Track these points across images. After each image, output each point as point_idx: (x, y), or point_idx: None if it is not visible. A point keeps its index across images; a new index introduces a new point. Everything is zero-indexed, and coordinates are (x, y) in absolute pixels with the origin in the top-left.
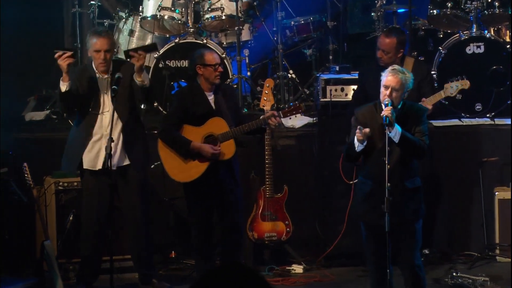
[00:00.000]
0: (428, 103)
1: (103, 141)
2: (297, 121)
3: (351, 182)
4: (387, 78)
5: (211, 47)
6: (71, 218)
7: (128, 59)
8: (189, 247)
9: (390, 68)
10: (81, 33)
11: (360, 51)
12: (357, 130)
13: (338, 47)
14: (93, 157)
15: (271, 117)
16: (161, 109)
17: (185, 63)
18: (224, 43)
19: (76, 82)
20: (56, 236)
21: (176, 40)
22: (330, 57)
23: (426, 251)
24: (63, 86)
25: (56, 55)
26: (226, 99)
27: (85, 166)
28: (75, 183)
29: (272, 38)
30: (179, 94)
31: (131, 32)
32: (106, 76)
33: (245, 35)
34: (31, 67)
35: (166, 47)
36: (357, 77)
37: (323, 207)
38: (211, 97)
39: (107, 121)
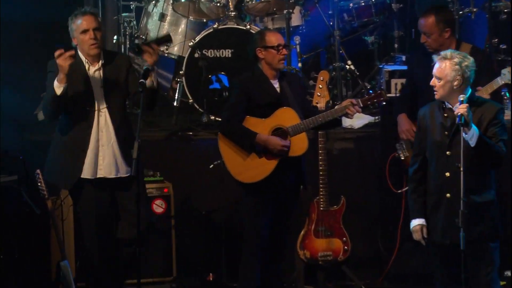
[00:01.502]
0: (484, 92)
1: (102, 143)
2: (356, 120)
3: (400, 191)
4: (435, 65)
5: None
6: None
7: (138, 56)
8: (230, 268)
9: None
10: (104, 18)
11: None
12: None
13: (404, 34)
14: (93, 162)
15: (349, 106)
16: (197, 107)
17: (225, 53)
18: (271, 29)
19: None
20: (74, 255)
21: (215, 26)
22: (396, 45)
23: (509, 273)
24: (59, 89)
25: (56, 53)
26: (292, 87)
27: (83, 174)
28: None
29: (327, 23)
30: (240, 81)
31: (162, 17)
32: (97, 66)
33: (296, 20)
34: (45, 58)
35: (202, 34)
36: None
37: (387, 221)
38: (276, 85)
39: (103, 120)
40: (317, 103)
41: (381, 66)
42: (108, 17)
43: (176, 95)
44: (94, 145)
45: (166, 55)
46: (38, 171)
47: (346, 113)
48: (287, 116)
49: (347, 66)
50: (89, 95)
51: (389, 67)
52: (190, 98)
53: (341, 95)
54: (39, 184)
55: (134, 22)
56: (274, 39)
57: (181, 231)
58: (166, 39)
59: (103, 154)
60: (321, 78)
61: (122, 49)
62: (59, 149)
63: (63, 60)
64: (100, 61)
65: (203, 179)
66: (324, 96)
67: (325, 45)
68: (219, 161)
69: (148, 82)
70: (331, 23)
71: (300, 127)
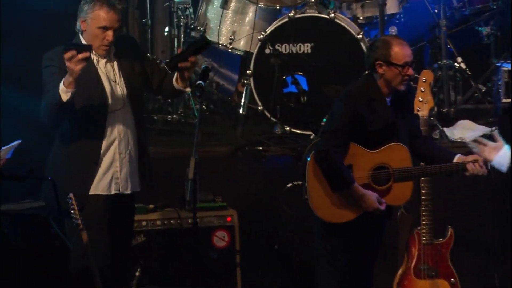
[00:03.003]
0: None
1: (120, 151)
2: (468, 132)
3: None
4: None
5: (344, 25)
6: (137, 273)
7: (172, 71)
8: None
9: None
10: (152, 5)
11: None
12: None
13: None
14: (108, 175)
15: (471, 162)
16: (268, 115)
17: (303, 48)
18: (361, 17)
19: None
20: None
21: (291, 15)
22: None
23: None
24: (66, 94)
25: (67, 55)
26: (403, 103)
27: (96, 189)
28: (143, 223)
29: (431, 10)
30: (350, 97)
31: (225, 3)
32: (106, 59)
33: (392, 7)
34: None
35: (275, 24)
36: None
37: (507, 257)
38: (389, 103)
39: (121, 122)
40: (418, 110)
41: (498, 64)
42: (158, 4)
43: (243, 100)
44: (110, 153)
45: (230, 50)
46: (71, 195)
47: (466, 168)
48: (397, 156)
49: (456, 64)
50: (101, 95)
51: (509, 66)
52: (260, 104)
53: (449, 100)
54: (72, 211)
55: (191, 10)
56: (401, 54)
57: (248, 269)
58: (203, 44)
59: (120, 164)
60: (424, 80)
61: (175, 43)
62: (62, 162)
63: (75, 64)
64: (112, 52)
65: (275, 206)
66: (427, 101)
67: (429, 38)
68: (299, 183)
69: (181, 86)
70: (436, 11)
71: (408, 173)
